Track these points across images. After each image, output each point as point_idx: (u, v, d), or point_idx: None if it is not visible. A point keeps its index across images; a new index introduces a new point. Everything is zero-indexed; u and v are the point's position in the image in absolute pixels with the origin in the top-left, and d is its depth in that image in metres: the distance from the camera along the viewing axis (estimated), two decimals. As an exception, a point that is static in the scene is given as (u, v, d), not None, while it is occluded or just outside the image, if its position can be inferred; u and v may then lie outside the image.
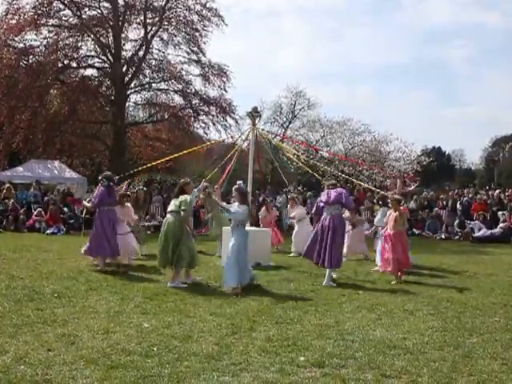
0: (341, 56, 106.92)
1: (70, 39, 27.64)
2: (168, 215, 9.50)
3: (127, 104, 31.29)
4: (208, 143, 18.61)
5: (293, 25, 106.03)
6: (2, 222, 19.19)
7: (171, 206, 9.48)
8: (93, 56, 29.30)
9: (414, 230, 20.95)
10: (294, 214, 14.76)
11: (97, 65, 29.67)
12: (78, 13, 27.79)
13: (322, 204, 10.13)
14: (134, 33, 29.60)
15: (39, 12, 26.71)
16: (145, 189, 14.75)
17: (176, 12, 29.18)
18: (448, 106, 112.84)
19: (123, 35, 28.97)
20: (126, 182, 12.50)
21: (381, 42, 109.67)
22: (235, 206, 9.27)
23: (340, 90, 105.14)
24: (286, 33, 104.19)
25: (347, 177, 16.25)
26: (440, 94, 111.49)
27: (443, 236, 20.90)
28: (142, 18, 28.88)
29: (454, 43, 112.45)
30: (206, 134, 31.13)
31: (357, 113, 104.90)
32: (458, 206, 23.04)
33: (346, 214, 14.05)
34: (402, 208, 10.14)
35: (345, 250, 12.97)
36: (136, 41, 29.59)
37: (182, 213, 9.22)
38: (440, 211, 22.80)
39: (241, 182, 9.96)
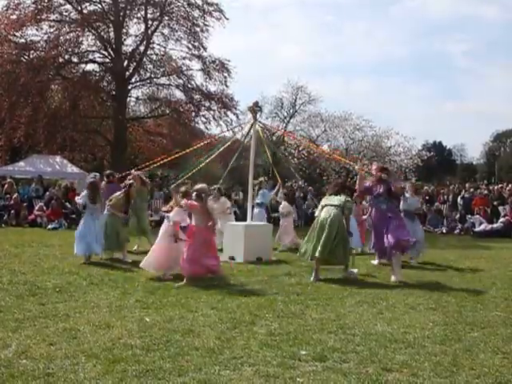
0: (339, 50, 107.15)
1: (71, 34, 27.63)
2: (331, 207, 9.42)
3: (128, 99, 31.36)
4: (211, 138, 18.54)
5: (292, 19, 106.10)
6: (4, 216, 19.21)
7: (334, 200, 9.47)
8: (94, 51, 29.32)
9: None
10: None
11: (98, 60, 29.69)
12: (79, 8, 27.79)
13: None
14: (134, 28, 29.68)
15: (40, 7, 26.71)
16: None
17: (177, 7, 29.15)
18: (448, 101, 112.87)
19: (124, 30, 29.00)
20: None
21: (379, 36, 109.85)
22: None
23: (339, 84, 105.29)
24: (286, 27, 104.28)
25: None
26: (440, 88, 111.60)
27: (444, 230, 20.91)
28: (143, 12, 28.88)
29: (453, 37, 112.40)
30: (207, 129, 31.20)
31: (356, 107, 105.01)
32: (458, 200, 23.05)
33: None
34: None
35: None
36: (137, 36, 29.64)
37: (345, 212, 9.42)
38: (441, 206, 22.82)
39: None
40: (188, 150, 14.52)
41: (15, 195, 20.04)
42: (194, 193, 8.88)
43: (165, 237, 9.27)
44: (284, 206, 14.17)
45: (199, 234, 8.77)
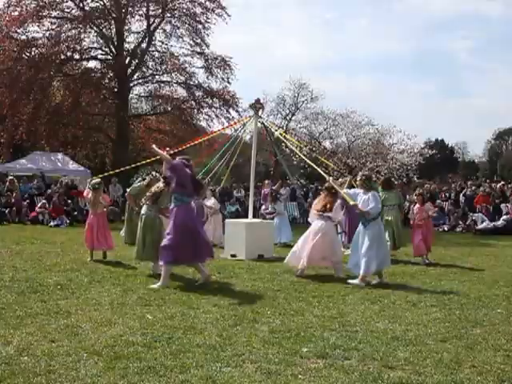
0: (341, 47, 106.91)
1: (73, 31, 27.60)
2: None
3: (130, 96, 31.31)
4: (210, 135, 18.54)
5: (293, 16, 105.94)
6: (5, 214, 19.21)
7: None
8: (95, 48, 29.31)
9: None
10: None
11: (99, 57, 29.68)
12: (81, 4, 27.77)
13: None
14: (136, 25, 29.65)
15: (41, 4, 26.70)
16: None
17: (179, 4, 29.10)
18: (450, 98, 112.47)
19: (126, 27, 28.96)
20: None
21: (381, 33, 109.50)
22: None
23: (340, 81, 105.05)
24: (287, 24, 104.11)
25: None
26: (442, 86, 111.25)
27: (446, 228, 20.89)
28: (145, 9, 28.86)
29: (456, 34, 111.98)
30: (209, 126, 31.17)
31: (358, 104, 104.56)
32: (460, 198, 23.02)
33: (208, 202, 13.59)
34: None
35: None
36: (139, 33, 29.61)
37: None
38: (443, 203, 22.79)
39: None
40: (185, 146, 14.35)
41: (15, 192, 20.03)
42: (91, 184, 11.11)
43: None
44: (213, 203, 13.92)
45: (93, 219, 10.96)
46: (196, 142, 14.71)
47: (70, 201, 20.80)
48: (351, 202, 9.17)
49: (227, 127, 23.93)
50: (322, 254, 9.47)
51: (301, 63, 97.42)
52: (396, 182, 12.45)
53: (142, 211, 9.34)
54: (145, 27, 29.10)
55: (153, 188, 9.46)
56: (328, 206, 9.55)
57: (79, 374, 4.45)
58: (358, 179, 9.62)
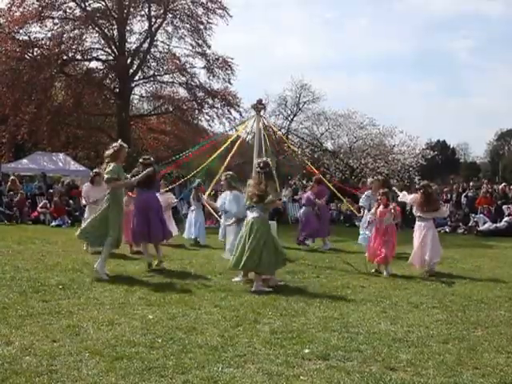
0: (342, 47, 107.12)
1: (75, 31, 27.66)
2: None
3: (132, 96, 31.33)
4: (213, 137, 18.51)
5: (293, 16, 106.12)
6: (6, 214, 19.20)
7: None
8: (97, 48, 29.36)
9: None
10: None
11: (101, 57, 29.72)
12: (83, 5, 27.80)
13: None
14: (138, 25, 29.71)
15: (43, 4, 26.75)
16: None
17: (180, 4, 29.11)
18: (451, 97, 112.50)
19: (128, 27, 29.01)
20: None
21: (382, 33, 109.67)
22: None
23: (341, 80, 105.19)
24: (287, 24, 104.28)
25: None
26: (444, 86, 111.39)
27: (447, 229, 20.86)
28: (147, 10, 28.90)
29: (456, 33, 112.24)
30: (210, 126, 31.21)
31: (359, 104, 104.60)
32: (462, 199, 22.99)
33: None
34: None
35: None
36: (140, 33, 29.64)
37: None
38: (445, 205, 22.75)
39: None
40: (195, 150, 14.40)
41: (20, 193, 20.03)
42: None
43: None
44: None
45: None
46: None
47: (71, 201, 20.80)
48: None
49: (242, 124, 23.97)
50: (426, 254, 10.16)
51: (302, 63, 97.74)
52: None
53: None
54: (146, 28, 29.16)
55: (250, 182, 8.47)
56: (434, 206, 10.34)
57: (81, 373, 4.45)
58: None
